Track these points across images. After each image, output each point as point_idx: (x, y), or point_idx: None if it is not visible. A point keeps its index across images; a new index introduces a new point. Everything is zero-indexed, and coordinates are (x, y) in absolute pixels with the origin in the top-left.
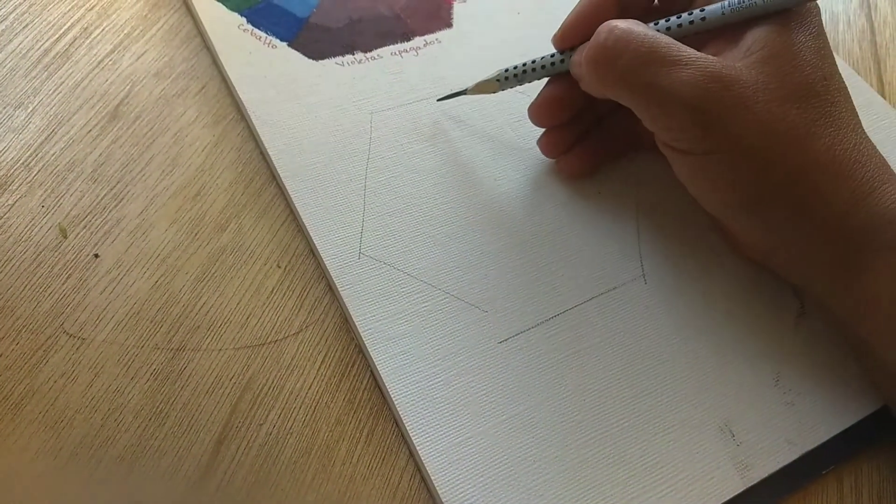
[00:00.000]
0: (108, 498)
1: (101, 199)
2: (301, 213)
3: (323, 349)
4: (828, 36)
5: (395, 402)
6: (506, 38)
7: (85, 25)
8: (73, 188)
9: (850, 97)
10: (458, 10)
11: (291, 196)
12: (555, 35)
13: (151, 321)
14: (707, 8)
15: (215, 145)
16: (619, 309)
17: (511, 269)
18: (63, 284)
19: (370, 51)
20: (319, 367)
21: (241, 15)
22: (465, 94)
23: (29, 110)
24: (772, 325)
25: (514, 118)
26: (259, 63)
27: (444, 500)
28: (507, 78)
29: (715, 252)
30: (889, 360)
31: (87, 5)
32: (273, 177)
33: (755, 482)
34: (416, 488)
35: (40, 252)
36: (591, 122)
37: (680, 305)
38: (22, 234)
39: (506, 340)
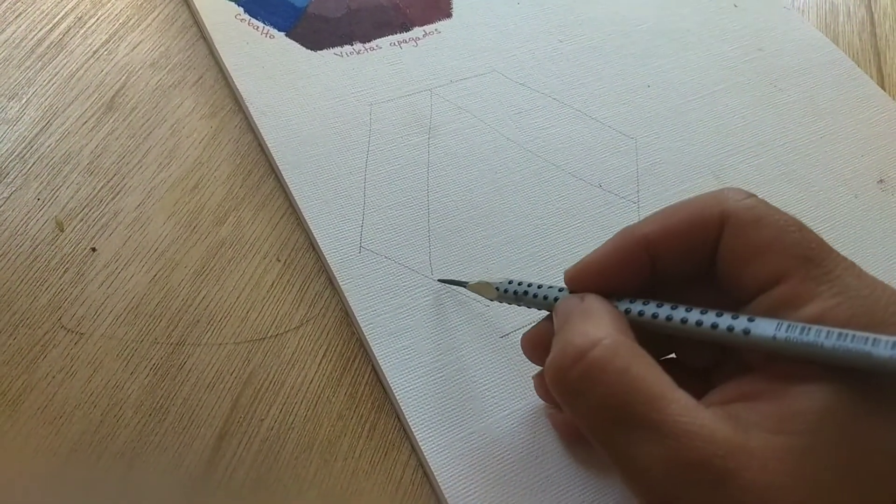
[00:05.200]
0: (108, 494)
1: (98, 191)
2: (301, 206)
3: (324, 344)
4: (827, 28)
5: (398, 397)
6: (505, 29)
7: (79, 14)
8: (70, 181)
9: None
10: None
11: (291, 188)
12: (569, 270)
13: (150, 315)
14: (758, 321)
15: (213, 137)
16: None
17: (513, 263)
18: (60, 278)
19: (369, 41)
20: (321, 362)
21: (238, 5)
22: (464, 286)
23: (23, 101)
24: None
25: (514, 111)
26: (256, 53)
27: (446, 494)
28: (506, 291)
29: None
30: None
31: None
32: (272, 169)
33: None
34: (419, 483)
35: (37, 246)
36: None
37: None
38: (18, 228)
39: (508, 335)
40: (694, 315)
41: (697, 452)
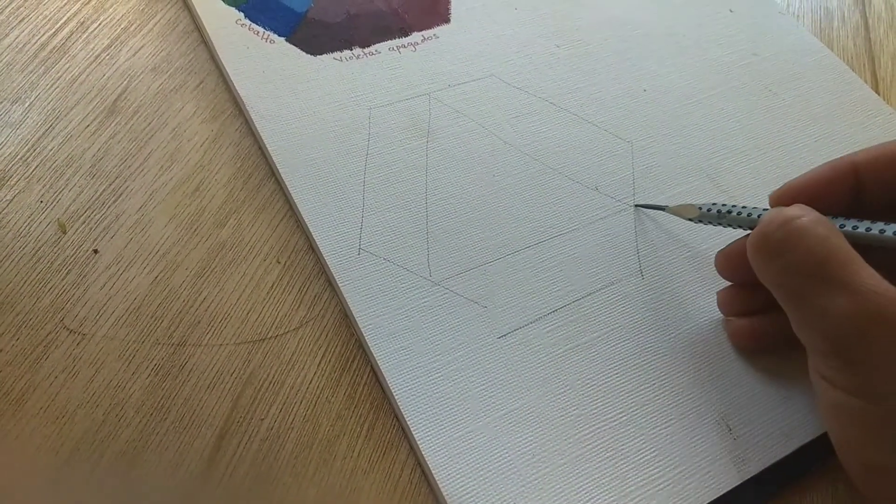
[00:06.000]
0: (110, 493)
1: (100, 194)
2: (300, 209)
3: (323, 344)
4: (822, 32)
5: (396, 397)
6: (503, 34)
7: (81, 19)
8: (72, 183)
9: None
10: (455, 5)
11: (291, 191)
12: (774, 192)
13: (152, 317)
14: None
15: (214, 140)
16: (617, 304)
17: (509, 265)
18: (63, 280)
19: (368, 46)
20: (320, 363)
21: (239, 10)
22: (664, 210)
23: (26, 105)
24: None
25: (511, 115)
26: (257, 58)
27: (444, 493)
28: (709, 210)
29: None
30: None
31: None
32: (272, 172)
33: (752, 475)
34: (417, 482)
35: (39, 247)
36: None
37: (677, 300)
38: (21, 230)
39: (505, 336)
40: (892, 227)
41: (880, 306)
